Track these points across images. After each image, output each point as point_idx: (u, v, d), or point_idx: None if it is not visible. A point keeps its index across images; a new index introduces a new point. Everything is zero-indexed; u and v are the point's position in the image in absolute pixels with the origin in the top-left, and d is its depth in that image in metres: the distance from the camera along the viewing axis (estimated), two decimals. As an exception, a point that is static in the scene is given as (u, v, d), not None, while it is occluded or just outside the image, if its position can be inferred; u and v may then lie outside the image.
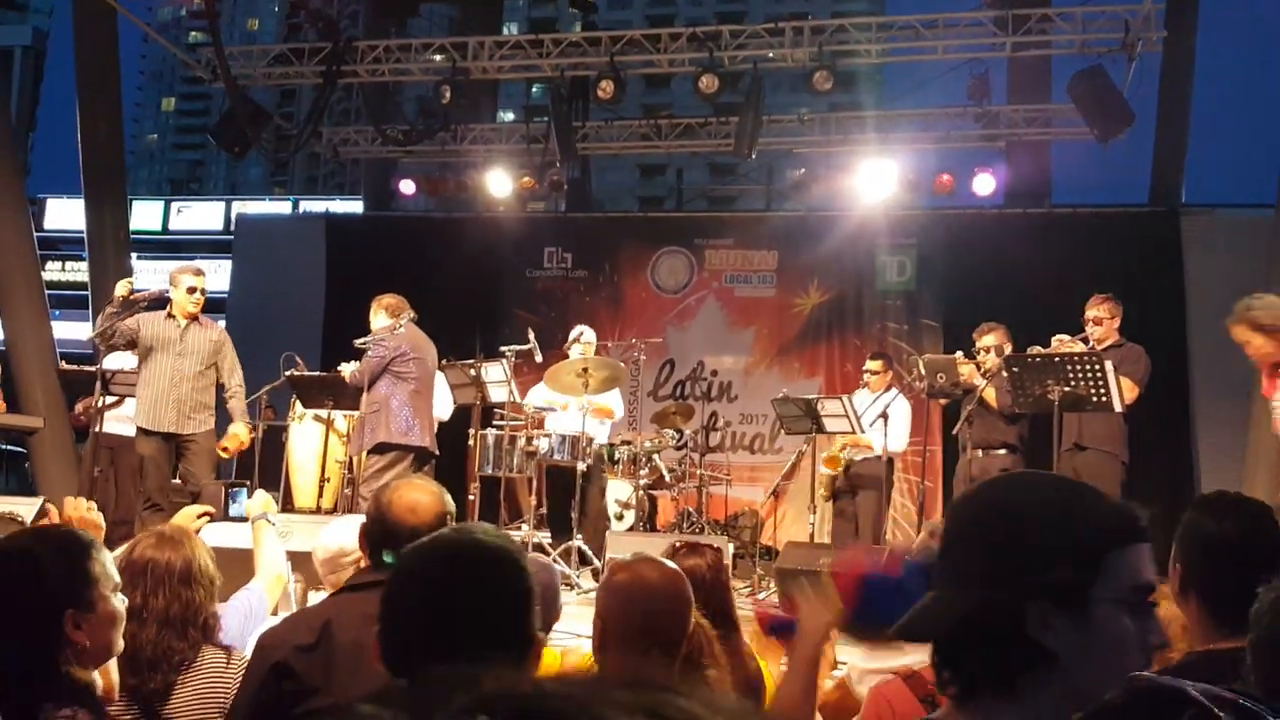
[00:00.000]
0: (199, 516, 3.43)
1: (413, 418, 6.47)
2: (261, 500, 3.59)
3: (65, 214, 31.41)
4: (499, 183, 11.06)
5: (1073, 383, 5.36)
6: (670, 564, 2.31)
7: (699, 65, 9.40)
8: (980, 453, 6.32)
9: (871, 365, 7.92)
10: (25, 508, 5.05)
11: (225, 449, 6.58)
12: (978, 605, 1.19)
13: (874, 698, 2.39)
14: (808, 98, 9.56)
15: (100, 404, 6.18)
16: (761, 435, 10.59)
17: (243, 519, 3.69)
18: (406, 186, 11.76)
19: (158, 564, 2.64)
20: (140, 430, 6.34)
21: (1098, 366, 5.34)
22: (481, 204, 11.81)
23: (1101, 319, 6.17)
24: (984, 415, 6.33)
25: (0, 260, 10.37)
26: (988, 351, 6.46)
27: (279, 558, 3.40)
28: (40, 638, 1.90)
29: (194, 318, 6.48)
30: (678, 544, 2.96)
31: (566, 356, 7.51)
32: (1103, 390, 5.35)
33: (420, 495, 2.57)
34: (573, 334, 7.65)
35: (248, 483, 5.01)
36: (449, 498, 2.68)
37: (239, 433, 6.55)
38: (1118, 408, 5.43)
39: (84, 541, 2.05)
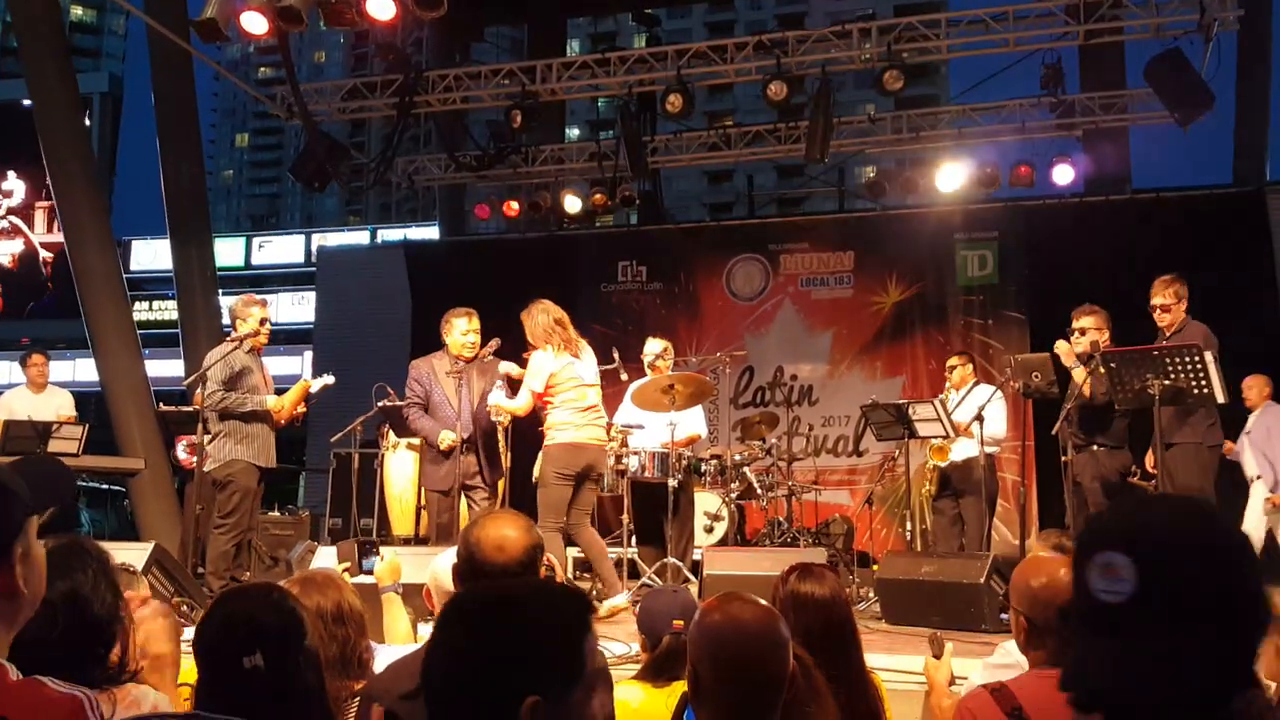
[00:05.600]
0: (344, 571, 3.57)
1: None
2: (390, 569, 3.68)
3: (150, 255, 32.33)
4: (572, 201, 11.20)
5: (1172, 376, 5.23)
6: (763, 601, 2.17)
7: (766, 73, 9.37)
8: (1077, 451, 6.18)
9: (951, 362, 7.88)
10: (135, 553, 5.18)
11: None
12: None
13: (959, 711, 2.35)
14: (872, 95, 9.47)
15: (204, 443, 6.32)
16: (845, 437, 10.52)
17: (371, 575, 3.78)
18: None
19: (309, 610, 2.69)
20: (256, 468, 6.38)
21: (1197, 358, 5.20)
22: (554, 222, 11.95)
23: (1169, 305, 5.97)
24: (1083, 412, 6.18)
25: (92, 303, 10.67)
26: (1083, 333, 6.23)
27: (407, 631, 3.47)
28: None
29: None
30: (793, 567, 2.86)
31: (643, 371, 7.53)
32: (1204, 382, 5.21)
33: (508, 530, 2.53)
34: (652, 349, 7.61)
35: (376, 541, 5.15)
36: (537, 530, 2.68)
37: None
38: (1220, 399, 5.29)
39: None
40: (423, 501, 7.08)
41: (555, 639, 1.44)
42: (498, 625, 1.46)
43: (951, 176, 10.53)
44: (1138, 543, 1.26)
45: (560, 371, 6.16)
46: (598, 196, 11.22)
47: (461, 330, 6.39)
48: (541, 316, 6.22)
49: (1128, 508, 1.37)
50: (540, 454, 6.26)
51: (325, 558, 5.50)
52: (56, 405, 8.20)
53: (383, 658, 2.82)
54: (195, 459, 6.58)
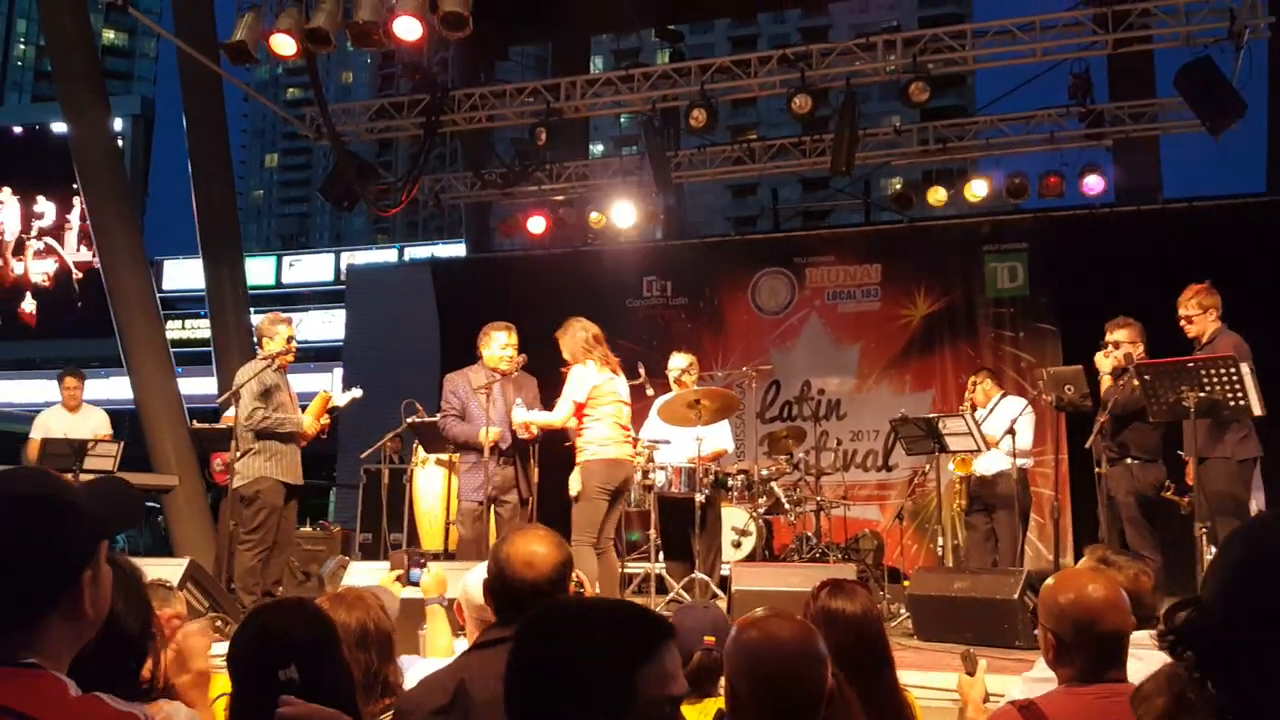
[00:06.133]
0: (396, 580, 3.65)
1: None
2: (436, 581, 3.68)
3: (181, 274, 32.68)
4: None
5: (1208, 387, 5.15)
6: (799, 619, 2.16)
7: (790, 86, 9.36)
8: (1110, 465, 6.10)
9: (973, 379, 7.85)
10: (171, 569, 5.22)
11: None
12: None
13: None
14: (898, 106, 9.44)
15: (235, 460, 6.39)
16: (874, 452, 10.44)
17: (417, 587, 3.80)
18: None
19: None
20: (282, 485, 6.48)
21: (1233, 369, 5.12)
22: (578, 238, 11.99)
23: (1193, 315, 5.90)
24: (1116, 425, 6.09)
25: (126, 321, 10.82)
26: (1116, 346, 6.18)
27: (448, 644, 3.45)
28: None
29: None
30: (824, 583, 2.83)
31: (669, 386, 7.52)
32: (1240, 393, 5.13)
33: (538, 547, 2.52)
34: (677, 364, 7.62)
35: (426, 553, 5.21)
36: (567, 546, 2.66)
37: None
38: (1256, 411, 5.20)
39: None
40: (452, 517, 7.10)
41: (595, 665, 1.39)
42: (538, 647, 1.44)
43: (979, 188, 10.48)
44: None
45: (602, 385, 6.17)
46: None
47: (501, 344, 6.41)
48: (580, 333, 6.24)
49: None
50: (578, 469, 6.21)
51: (356, 573, 5.52)
52: (93, 425, 8.25)
53: (417, 671, 2.79)
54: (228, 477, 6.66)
